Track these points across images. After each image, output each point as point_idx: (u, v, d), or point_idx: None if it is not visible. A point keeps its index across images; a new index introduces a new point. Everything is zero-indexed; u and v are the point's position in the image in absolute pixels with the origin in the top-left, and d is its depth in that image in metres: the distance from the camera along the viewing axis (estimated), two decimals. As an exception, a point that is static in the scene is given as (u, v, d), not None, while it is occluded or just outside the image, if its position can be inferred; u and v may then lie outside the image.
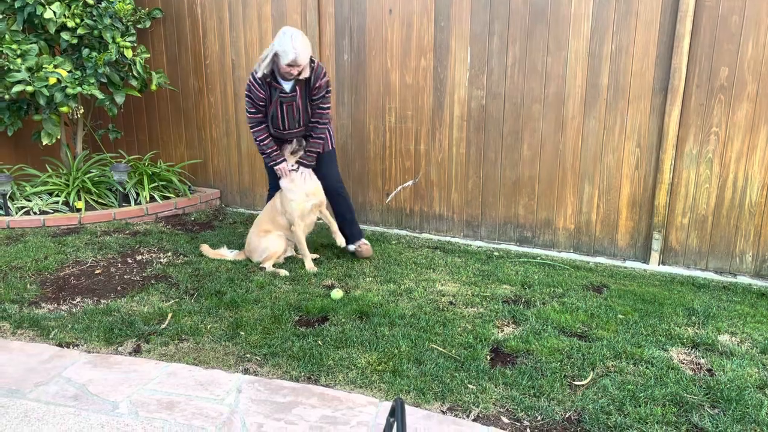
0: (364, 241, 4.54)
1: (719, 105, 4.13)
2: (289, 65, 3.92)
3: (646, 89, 4.30)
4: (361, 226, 4.77)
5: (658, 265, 4.52)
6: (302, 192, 4.27)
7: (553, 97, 4.57)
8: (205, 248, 4.58)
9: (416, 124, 5.07)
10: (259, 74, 4.04)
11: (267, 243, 4.31)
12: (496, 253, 4.79)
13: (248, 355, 3.07)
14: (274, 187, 4.52)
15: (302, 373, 2.90)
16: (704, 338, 3.28)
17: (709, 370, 2.98)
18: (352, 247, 4.51)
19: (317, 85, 4.15)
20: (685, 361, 3.07)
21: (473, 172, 4.96)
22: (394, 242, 5.03)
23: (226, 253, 4.53)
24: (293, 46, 3.87)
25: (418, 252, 4.76)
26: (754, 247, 4.25)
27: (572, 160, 4.61)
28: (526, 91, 4.64)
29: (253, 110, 4.20)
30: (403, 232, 5.33)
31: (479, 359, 3.02)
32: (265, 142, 4.26)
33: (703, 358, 3.11)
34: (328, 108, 4.32)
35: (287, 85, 4.12)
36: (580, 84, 4.46)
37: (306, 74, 4.06)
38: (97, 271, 4.20)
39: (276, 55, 3.94)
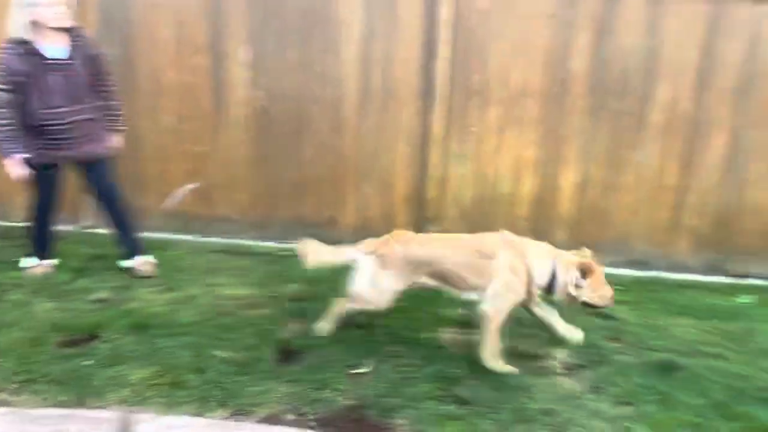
0: (149, 258, 4.15)
1: (474, 108, 4.63)
2: (50, 3, 3.37)
3: (413, 92, 4.65)
4: (140, 234, 4.38)
5: (432, 254, 4.93)
6: None
7: (331, 99, 4.72)
8: None
9: (196, 125, 4.87)
10: (20, 36, 3.37)
11: None
12: (285, 253, 4.80)
13: (1, 385, 2.72)
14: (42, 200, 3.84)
15: (68, 398, 2.65)
16: (468, 319, 3.65)
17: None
18: (130, 263, 4.11)
19: (93, 53, 3.67)
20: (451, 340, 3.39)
21: (258, 173, 4.92)
22: (176, 248, 4.75)
23: None
24: None
25: (204, 257, 4.59)
26: (508, 233, 4.86)
27: (352, 160, 4.82)
28: (305, 92, 4.72)
29: (4, 86, 3.46)
30: (187, 237, 5.07)
31: (264, 360, 3.03)
32: (6, 122, 3.49)
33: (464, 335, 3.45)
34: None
35: (56, 51, 3.49)
36: (354, 87, 4.67)
37: (69, 22, 3.51)
38: None
39: (31, 5, 3.34)
